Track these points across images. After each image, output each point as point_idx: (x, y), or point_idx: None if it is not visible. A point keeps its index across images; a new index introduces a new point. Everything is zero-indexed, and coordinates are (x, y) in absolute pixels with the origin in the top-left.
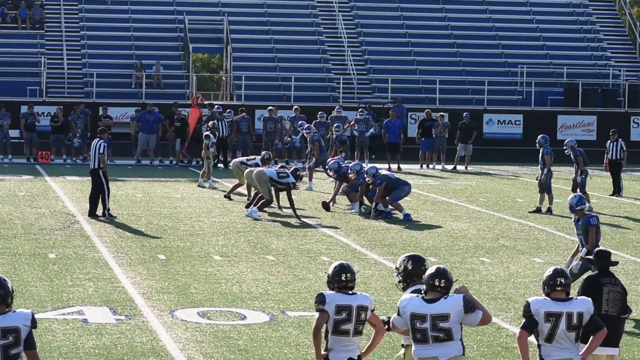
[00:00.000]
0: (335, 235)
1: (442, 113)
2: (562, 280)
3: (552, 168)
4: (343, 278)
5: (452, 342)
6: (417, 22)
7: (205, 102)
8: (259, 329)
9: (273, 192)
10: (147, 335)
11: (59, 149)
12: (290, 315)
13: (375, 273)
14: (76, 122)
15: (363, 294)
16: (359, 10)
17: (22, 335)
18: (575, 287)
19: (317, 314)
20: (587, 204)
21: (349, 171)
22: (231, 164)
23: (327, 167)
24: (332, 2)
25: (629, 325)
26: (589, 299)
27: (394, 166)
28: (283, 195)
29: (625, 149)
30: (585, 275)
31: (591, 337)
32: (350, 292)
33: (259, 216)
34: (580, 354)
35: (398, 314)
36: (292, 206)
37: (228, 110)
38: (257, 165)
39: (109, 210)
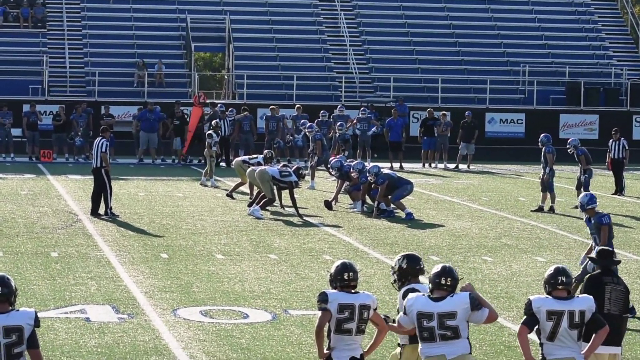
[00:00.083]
0: (337, 234)
1: (444, 112)
2: (564, 279)
3: (555, 167)
4: (345, 277)
5: (459, 340)
6: (419, 20)
7: (207, 101)
8: (261, 327)
9: (275, 191)
10: (150, 334)
11: (61, 148)
12: (293, 314)
13: (378, 272)
14: (78, 120)
15: (365, 293)
16: (361, 9)
17: (25, 334)
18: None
19: (319, 313)
20: (597, 203)
21: (351, 170)
22: (233, 162)
23: (329, 165)
24: (334, 1)
25: (631, 324)
26: (591, 296)
27: (396, 165)
28: (285, 194)
29: (627, 147)
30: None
31: (593, 335)
32: (352, 291)
33: (262, 215)
34: (582, 352)
35: (404, 313)
36: (294, 205)
37: (230, 109)
38: (259, 164)
39: (111, 209)
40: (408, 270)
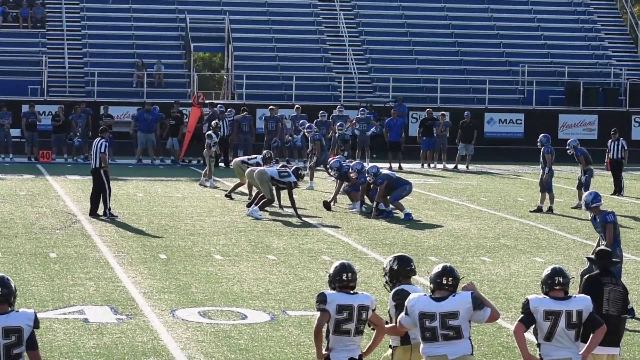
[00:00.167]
0: (336, 234)
1: (443, 112)
2: (561, 279)
3: (554, 167)
4: (344, 277)
5: (461, 340)
6: (418, 21)
7: (206, 102)
8: (259, 328)
9: (274, 192)
10: (148, 334)
11: (60, 148)
12: (291, 315)
13: (376, 272)
14: (77, 121)
15: (364, 294)
16: (360, 9)
17: (25, 335)
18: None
19: (318, 314)
20: (602, 201)
21: (350, 170)
22: (232, 163)
23: (328, 166)
24: (333, 1)
25: (629, 325)
26: (588, 296)
27: (395, 165)
28: (284, 194)
29: (626, 148)
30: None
31: (591, 335)
32: (351, 291)
33: (260, 215)
34: (580, 353)
35: (406, 314)
36: (293, 205)
37: (229, 110)
38: (258, 164)
39: (110, 209)
40: (399, 272)
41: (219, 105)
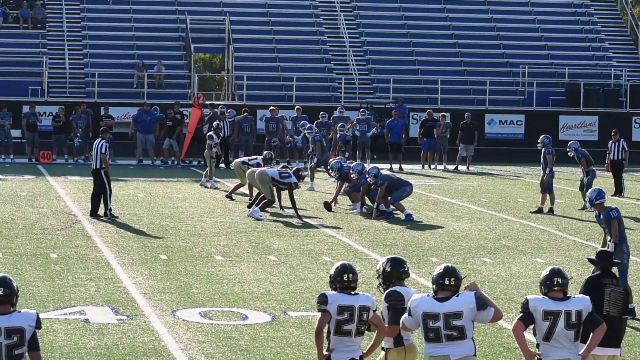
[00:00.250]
0: (337, 235)
1: (443, 113)
2: (559, 280)
3: (554, 168)
4: (345, 278)
5: (464, 340)
6: (418, 22)
7: (207, 102)
8: (260, 329)
9: (275, 192)
10: (149, 335)
11: (60, 149)
12: (292, 316)
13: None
14: (77, 122)
15: (365, 295)
16: (361, 10)
17: (27, 336)
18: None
19: (319, 314)
20: (605, 198)
21: (351, 171)
22: (233, 164)
23: (329, 167)
24: (333, 2)
25: (630, 325)
26: (587, 296)
27: (396, 166)
28: (285, 195)
29: (627, 149)
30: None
31: (591, 334)
32: (352, 292)
33: (261, 216)
34: (580, 353)
35: (409, 314)
36: (294, 206)
37: (229, 110)
38: (258, 165)
39: (110, 210)
40: (392, 274)
41: (220, 106)
